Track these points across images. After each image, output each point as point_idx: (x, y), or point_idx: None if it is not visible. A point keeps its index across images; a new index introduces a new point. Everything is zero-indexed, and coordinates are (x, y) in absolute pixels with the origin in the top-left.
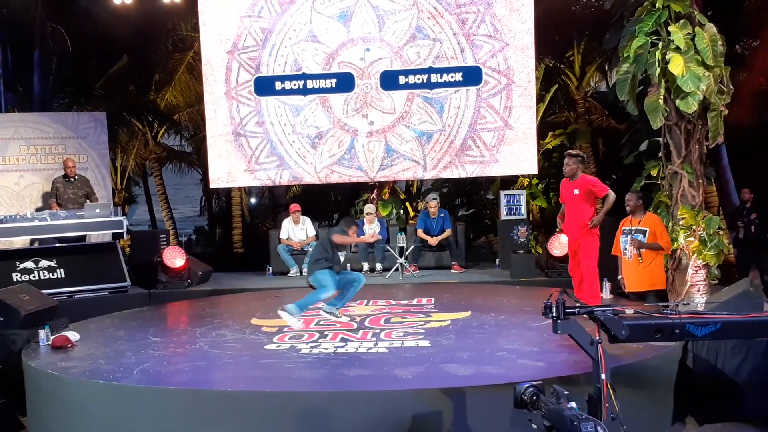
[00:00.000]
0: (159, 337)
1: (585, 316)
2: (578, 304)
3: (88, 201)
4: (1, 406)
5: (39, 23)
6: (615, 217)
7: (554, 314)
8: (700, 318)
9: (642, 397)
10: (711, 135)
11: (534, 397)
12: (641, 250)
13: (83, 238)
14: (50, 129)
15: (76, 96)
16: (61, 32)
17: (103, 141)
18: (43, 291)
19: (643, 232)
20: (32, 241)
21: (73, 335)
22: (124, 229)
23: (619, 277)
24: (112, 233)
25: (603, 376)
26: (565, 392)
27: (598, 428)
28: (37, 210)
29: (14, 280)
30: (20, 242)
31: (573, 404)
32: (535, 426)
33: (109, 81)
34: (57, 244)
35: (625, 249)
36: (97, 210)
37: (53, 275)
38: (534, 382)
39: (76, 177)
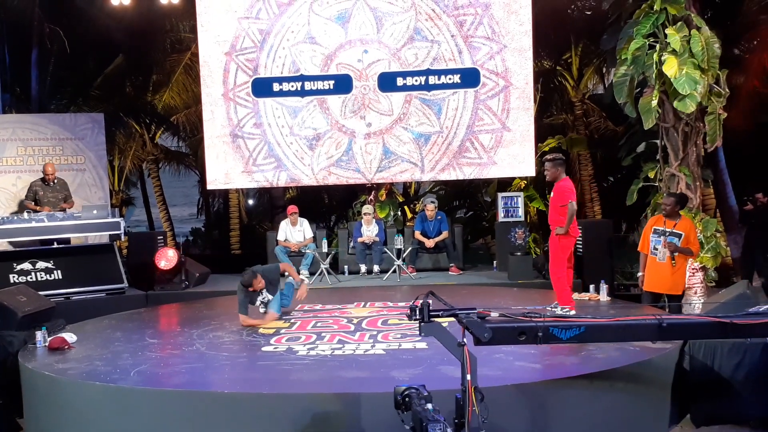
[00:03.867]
0: (156, 338)
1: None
2: (442, 307)
3: (63, 204)
4: None
5: (37, 24)
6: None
7: (418, 317)
8: (564, 321)
9: (639, 399)
10: (709, 138)
11: (407, 399)
12: (675, 253)
13: (68, 240)
14: (48, 130)
15: (74, 97)
16: (59, 33)
17: (100, 142)
18: (41, 292)
19: (678, 236)
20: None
21: (70, 337)
22: (122, 231)
23: (640, 273)
24: (110, 235)
25: (468, 377)
26: (425, 393)
27: (448, 430)
28: (13, 213)
29: (11, 281)
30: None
31: (429, 406)
32: (407, 427)
33: (107, 82)
34: (55, 246)
35: (655, 249)
36: (95, 211)
37: (50, 277)
38: (413, 385)
39: (56, 181)
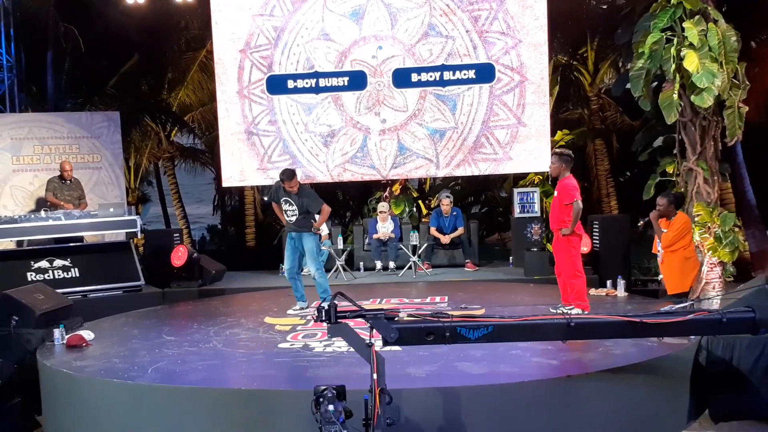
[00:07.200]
0: (173, 335)
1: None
2: (350, 308)
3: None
4: (16, 404)
5: (52, 23)
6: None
7: (325, 318)
8: (472, 321)
9: (657, 396)
10: (729, 132)
11: (321, 399)
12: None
13: (81, 238)
14: (64, 129)
15: (89, 95)
16: (74, 32)
17: (116, 140)
18: (58, 290)
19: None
20: (19, 243)
21: (87, 334)
22: (138, 228)
23: (660, 277)
24: (126, 232)
25: (375, 377)
26: (329, 395)
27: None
28: (31, 212)
29: (29, 279)
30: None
31: (331, 407)
32: (319, 427)
33: (122, 80)
34: (71, 244)
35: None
36: (111, 209)
37: (68, 274)
38: (332, 386)
39: (72, 179)
